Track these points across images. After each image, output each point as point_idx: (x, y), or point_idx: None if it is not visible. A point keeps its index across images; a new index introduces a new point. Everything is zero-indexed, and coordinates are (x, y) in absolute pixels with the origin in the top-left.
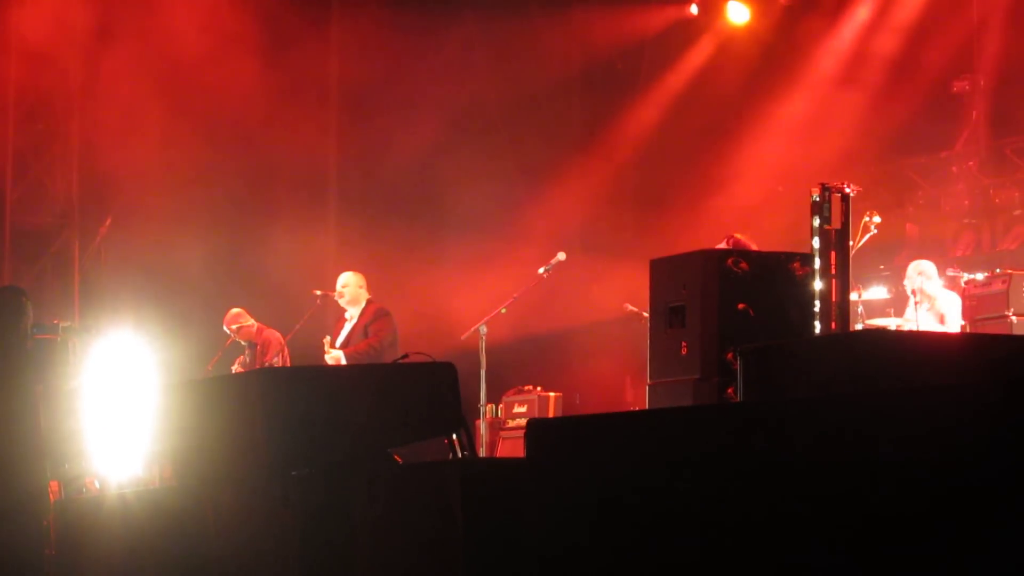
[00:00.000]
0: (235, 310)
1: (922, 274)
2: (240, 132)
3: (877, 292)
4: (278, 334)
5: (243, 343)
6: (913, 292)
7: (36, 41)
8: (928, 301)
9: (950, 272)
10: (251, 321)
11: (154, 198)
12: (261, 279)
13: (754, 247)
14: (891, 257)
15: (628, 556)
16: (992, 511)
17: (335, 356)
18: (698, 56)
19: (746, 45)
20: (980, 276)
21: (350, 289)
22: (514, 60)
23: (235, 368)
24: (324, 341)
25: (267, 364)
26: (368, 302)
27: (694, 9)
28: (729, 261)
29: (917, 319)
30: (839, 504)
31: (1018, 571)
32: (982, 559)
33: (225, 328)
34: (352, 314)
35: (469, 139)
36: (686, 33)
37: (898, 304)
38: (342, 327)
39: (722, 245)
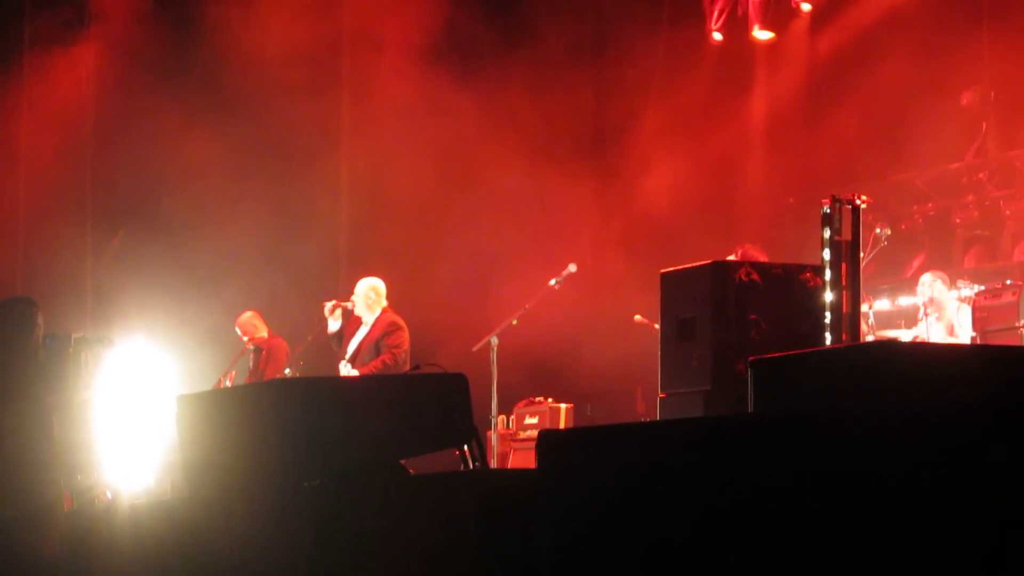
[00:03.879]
0: (249, 313)
1: (932, 286)
2: (254, 140)
3: (887, 304)
4: (285, 344)
5: (251, 347)
6: (924, 304)
7: (50, 50)
8: (939, 312)
9: (960, 284)
10: (263, 327)
11: (167, 210)
12: (274, 290)
13: (764, 258)
14: (901, 269)
15: (641, 566)
16: (1004, 521)
17: (348, 373)
18: (710, 68)
19: (756, 58)
20: (991, 288)
21: (359, 297)
22: (526, 67)
23: (244, 372)
24: (324, 306)
25: (271, 372)
26: (383, 311)
27: (717, 36)
28: (740, 273)
29: (928, 331)
30: (851, 513)
31: None
32: (995, 569)
33: (237, 329)
34: (367, 320)
35: (481, 151)
36: (698, 47)
37: (908, 316)
38: (355, 332)
39: (733, 257)
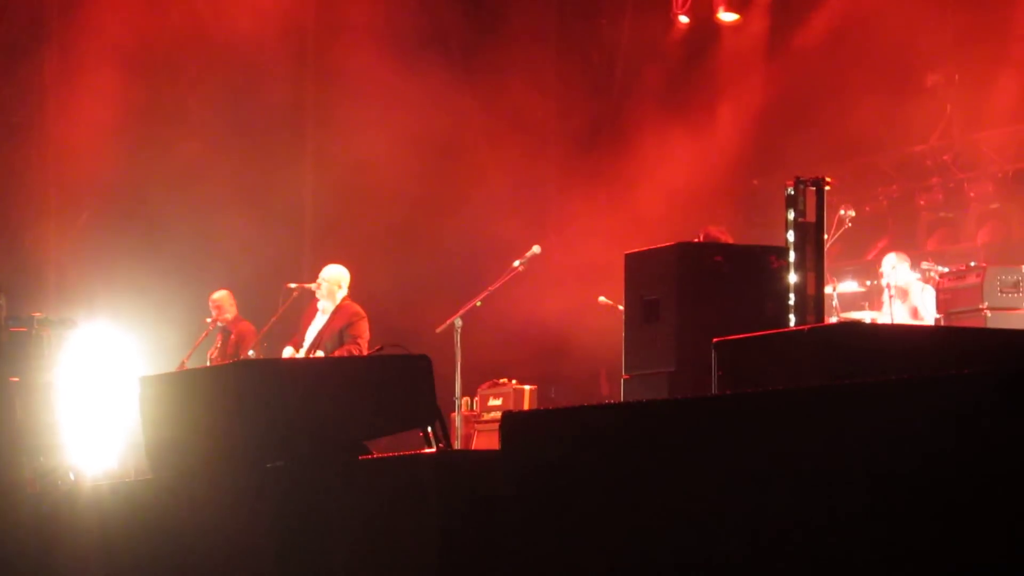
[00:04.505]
0: (223, 292)
1: (896, 267)
2: (219, 126)
3: (851, 285)
4: (251, 326)
5: (219, 325)
6: (887, 285)
7: (9, 31)
8: (903, 294)
9: (924, 266)
10: (233, 308)
11: (131, 192)
12: (236, 272)
13: (729, 240)
14: (865, 251)
15: (602, 548)
16: (967, 502)
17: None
18: (675, 47)
19: (720, 39)
20: (955, 270)
21: (327, 284)
22: (493, 51)
23: (210, 355)
24: (284, 354)
25: (242, 356)
26: (344, 300)
27: (683, 19)
28: (705, 254)
29: (892, 312)
30: (813, 495)
31: (995, 559)
32: (956, 549)
33: (211, 306)
34: (325, 308)
35: (447, 134)
36: (663, 24)
37: (872, 297)
38: (312, 318)
39: (698, 239)
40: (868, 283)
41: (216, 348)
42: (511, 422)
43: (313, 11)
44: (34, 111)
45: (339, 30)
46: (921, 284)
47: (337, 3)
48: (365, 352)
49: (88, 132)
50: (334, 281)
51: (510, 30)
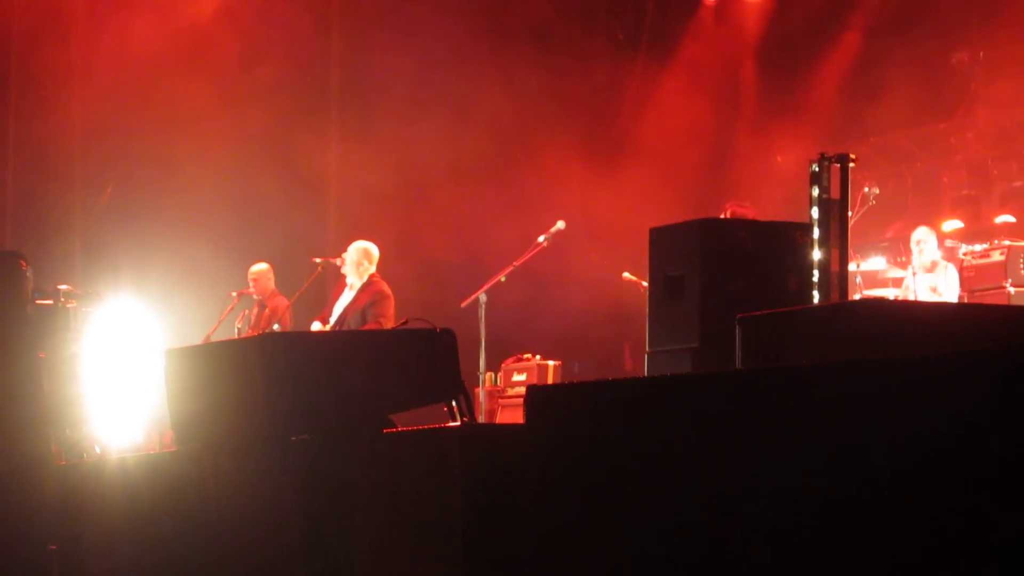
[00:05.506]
0: (262, 265)
1: (923, 243)
2: (243, 96)
3: (875, 263)
4: (286, 301)
5: (255, 298)
6: (914, 261)
7: (37, 9)
8: (928, 271)
9: (948, 243)
10: (271, 282)
11: (155, 165)
12: (263, 245)
13: (754, 215)
14: (889, 228)
15: (627, 521)
16: (992, 478)
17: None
18: (701, 28)
19: (748, 17)
20: (978, 247)
21: (351, 260)
22: (515, 28)
23: (239, 325)
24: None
25: (275, 329)
26: (371, 277)
27: None
28: (729, 230)
29: (915, 288)
30: (837, 470)
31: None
32: (981, 526)
33: (249, 279)
34: (353, 284)
35: (468, 109)
36: (689, 5)
37: (895, 274)
38: (340, 294)
39: (723, 216)
40: (891, 260)
41: (245, 319)
42: (536, 395)
43: None
44: (60, 86)
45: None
46: (945, 262)
47: None
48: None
49: (113, 105)
50: (359, 256)
51: (534, 8)
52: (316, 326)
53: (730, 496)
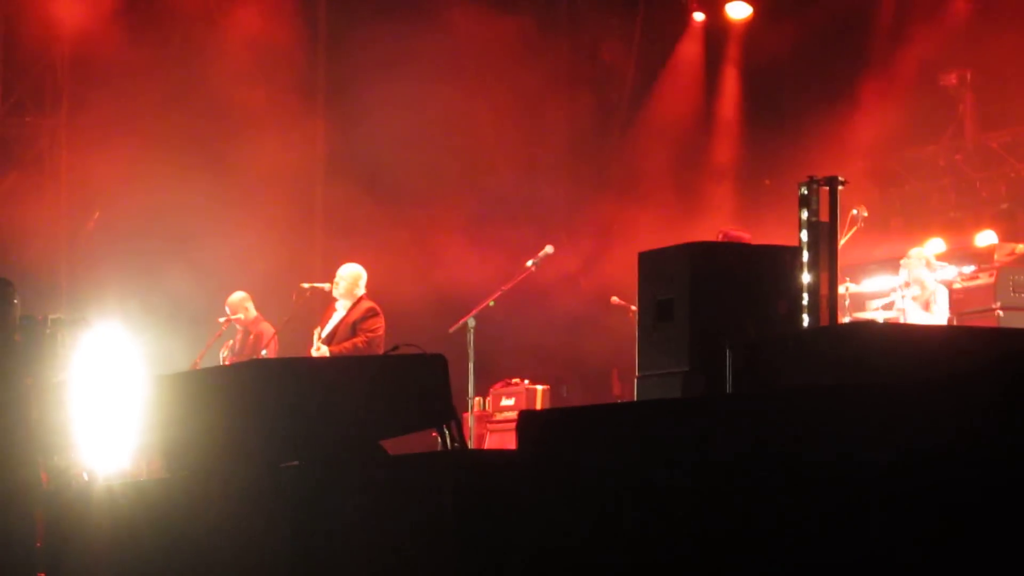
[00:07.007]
0: (241, 293)
1: (912, 265)
2: (226, 124)
3: (864, 285)
4: (272, 328)
5: (238, 328)
6: (905, 284)
7: (24, 35)
8: (918, 292)
9: (937, 265)
10: (253, 309)
11: (142, 192)
12: (249, 272)
13: (748, 238)
14: (878, 250)
15: (619, 547)
16: (981, 502)
17: (320, 352)
18: (688, 50)
19: (734, 41)
20: (967, 269)
21: (345, 282)
22: (500, 53)
23: (224, 352)
24: (315, 332)
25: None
26: (360, 298)
27: (698, 16)
28: (718, 254)
29: (905, 310)
30: (827, 493)
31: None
32: (969, 549)
33: (227, 308)
34: (343, 306)
35: (456, 130)
36: (675, 28)
37: (885, 297)
38: (330, 316)
39: (717, 240)
40: (881, 282)
41: (230, 348)
42: (528, 421)
43: (324, 9)
44: (47, 113)
45: (350, 30)
46: (934, 284)
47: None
48: (373, 346)
49: (99, 133)
50: (352, 279)
51: (521, 29)
52: (323, 350)
53: (723, 520)
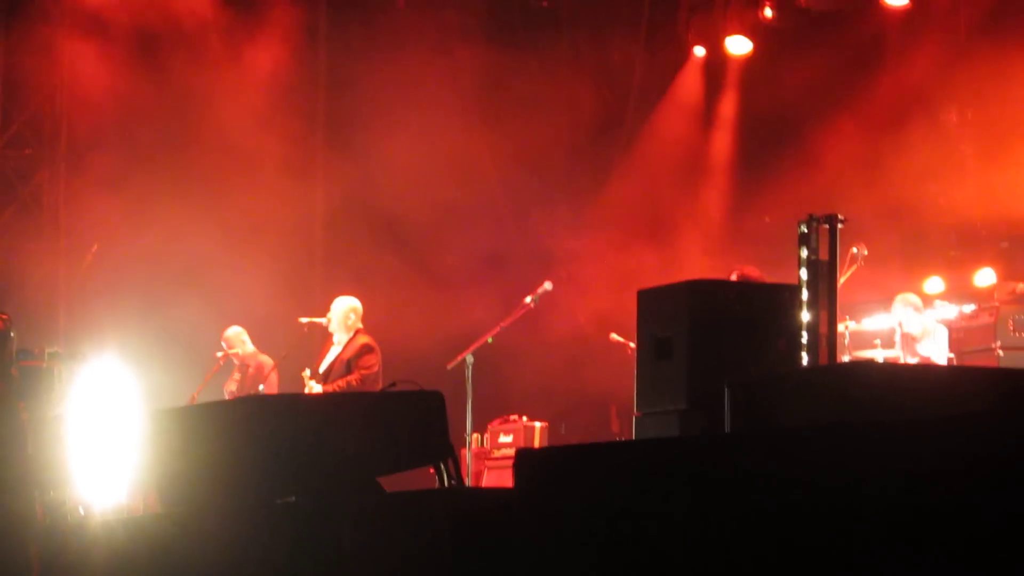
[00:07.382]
0: (237, 328)
1: (908, 306)
2: (226, 159)
3: (864, 324)
4: (271, 361)
5: (235, 363)
6: (900, 324)
7: (23, 66)
8: (915, 333)
9: (937, 304)
10: (249, 343)
11: (141, 225)
12: (248, 305)
13: (759, 276)
14: (877, 288)
15: None
16: (981, 542)
17: (314, 391)
18: (688, 85)
19: (734, 76)
20: (967, 308)
21: (337, 316)
22: (499, 89)
23: (231, 386)
24: (303, 375)
25: (260, 390)
26: (356, 332)
27: (699, 51)
28: (717, 292)
29: (903, 351)
30: (825, 533)
31: None
32: None
33: (223, 344)
34: (339, 340)
35: (456, 168)
36: (675, 64)
37: (884, 336)
38: (328, 351)
39: (731, 279)
40: (880, 320)
41: (235, 381)
42: (525, 459)
43: (325, 50)
44: (46, 145)
45: (351, 70)
46: (934, 323)
47: (347, 34)
48: (368, 383)
49: (98, 166)
50: (343, 313)
51: (523, 63)
52: (314, 389)
53: (722, 559)
